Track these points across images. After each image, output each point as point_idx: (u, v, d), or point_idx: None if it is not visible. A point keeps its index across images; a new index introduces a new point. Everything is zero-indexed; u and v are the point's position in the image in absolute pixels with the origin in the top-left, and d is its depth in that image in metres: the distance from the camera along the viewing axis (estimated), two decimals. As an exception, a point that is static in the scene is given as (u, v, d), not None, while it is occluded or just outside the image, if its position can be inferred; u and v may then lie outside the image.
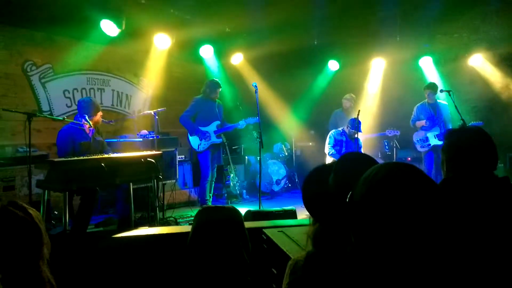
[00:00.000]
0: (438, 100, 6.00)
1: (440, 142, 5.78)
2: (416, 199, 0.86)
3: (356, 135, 5.57)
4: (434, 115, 5.95)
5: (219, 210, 1.44)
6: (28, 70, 5.23)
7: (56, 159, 3.66)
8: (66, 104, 5.65)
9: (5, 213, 1.20)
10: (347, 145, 5.77)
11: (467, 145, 1.61)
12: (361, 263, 0.92)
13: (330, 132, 5.85)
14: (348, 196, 1.04)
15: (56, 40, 5.45)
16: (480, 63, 7.13)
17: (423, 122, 5.95)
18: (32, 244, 1.18)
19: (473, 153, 1.59)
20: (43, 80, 5.38)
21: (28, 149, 3.57)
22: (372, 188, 0.90)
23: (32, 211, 1.24)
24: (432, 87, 5.93)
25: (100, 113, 4.36)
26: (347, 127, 5.74)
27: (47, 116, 4.88)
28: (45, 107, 5.41)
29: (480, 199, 1.50)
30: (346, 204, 1.05)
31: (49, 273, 1.21)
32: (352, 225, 0.94)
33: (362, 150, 5.87)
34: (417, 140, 6.07)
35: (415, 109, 6.14)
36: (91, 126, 4.19)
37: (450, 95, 5.46)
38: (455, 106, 5.30)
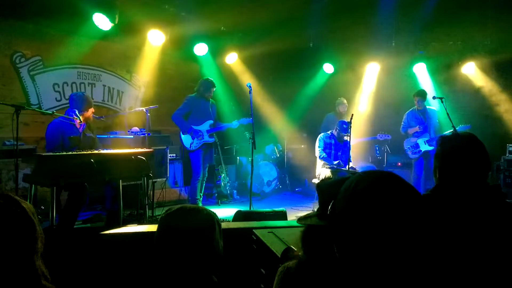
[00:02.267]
0: (427, 106, 6.05)
1: (430, 148, 5.83)
2: (396, 209, 0.86)
3: (347, 138, 5.56)
4: (424, 121, 6.00)
5: (187, 217, 1.33)
6: (17, 61, 5.13)
7: (44, 154, 3.59)
8: (56, 98, 5.56)
9: None
10: (336, 148, 5.77)
11: (460, 153, 1.61)
12: (345, 274, 0.91)
13: (319, 135, 5.85)
14: (330, 207, 1.03)
15: (47, 33, 5.35)
16: (473, 71, 7.21)
17: (416, 128, 5.99)
18: (25, 239, 1.15)
19: (466, 160, 1.59)
20: (32, 73, 5.28)
21: (15, 143, 3.49)
22: (353, 199, 0.90)
23: (25, 204, 1.21)
24: (422, 94, 5.98)
25: (91, 110, 4.30)
26: (336, 130, 5.74)
27: (36, 109, 4.79)
28: (33, 100, 5.30)
29: (471, 207, 1.50)
30: (328, 215, 1.04)
31: (44, 266, 1.19)
32: (334, 236, 0.94)
33: (352, 154, 5.87)
34: (408, 147, 6.12)
35: (405, 116, 6.19)
36: (81, 122, 4.13)
37: (442, 102, 5.51)
38: (447, 113, 5.35)
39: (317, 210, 1.24)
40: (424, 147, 5.91)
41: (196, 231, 1.30)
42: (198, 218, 1.33)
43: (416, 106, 6.06)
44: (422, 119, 6.01)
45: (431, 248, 0.89)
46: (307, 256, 1.18)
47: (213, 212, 1.40)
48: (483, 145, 1.63)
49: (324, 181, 1.27)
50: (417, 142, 5.99)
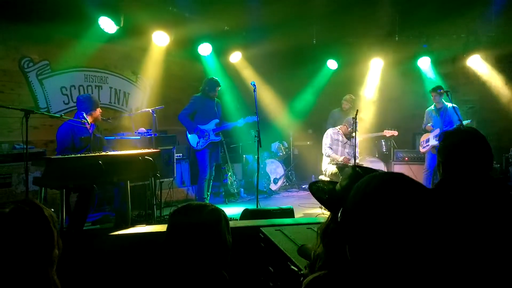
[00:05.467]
0: (446, 103, 5.93)
1: (437, 143, 5.81)
2: (407, 208, 0.87)
3: (354, 135, 5.56)
4: (438, 118, 5.94)
5: (193, 213, 1.37)
6: (25, 66, 5.20)
7: (53, 157, 3.64)
8: (64, 101, 5.63)
9: (18, 213, 1.16)
10: (343, 144, 5.77)
11: (462, 147, 1.62)
12: (358, 273, 0.91)
13: (327, 131, 5.84)
14: (341, 209, 1.04)
15: (54, 37, 5.41)
16: (478, 64, 7.15)
17: (430, 127, 6.00)
18: (43, 248, 1.15)
19: (468, 154, 1.60)
20: (40, 77, 5.35)
21: (25, 146, 3.55)
22: (364, 199, 0.91)
23: (47, 212, 1.20)
24: (435, 89, 5.89)
25: (99, 109, 4.36)
26: (344, 126, 5.73)
27: (45, 113, 4.85)
28: (42, 104, 5.38)
29: (475, 200, 1.51)
30: (340, 214, 1.05)
31: (56, 277, 1.18)
32: (346, 235, 0.95)
33: (359, 150, 5.87)
34: (421, 142, 6.14)
35: (425, 114, 6.14)
36: (89, 123, 4.19)
37: (448, 95, 5.48)
38: (454, 108, 5.32)
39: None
40: (432, 142, 5.89)
41: (202, 227, 1.33)
42: (204, 214, 1.36)
43: (434, 103, 5.99)
44: (436, 116, 5.96)
45: (440, 244, 0.90)
46: (330, 262, 1.17)
47: (219, 208, 1.43)
48: (484, 138, 1.64)
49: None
50: (429, 137, 5.99)
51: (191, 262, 1.31)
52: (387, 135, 6.42)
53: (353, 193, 0.95)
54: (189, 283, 1.30)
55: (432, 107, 6.02)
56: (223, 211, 1.43)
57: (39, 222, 1.16)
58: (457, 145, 1.64)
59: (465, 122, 5.70)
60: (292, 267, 1.99)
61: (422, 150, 6.12)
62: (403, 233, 0.86)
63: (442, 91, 5.76)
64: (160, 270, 1.37)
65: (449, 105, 5.89)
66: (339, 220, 1.07)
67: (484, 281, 1.37)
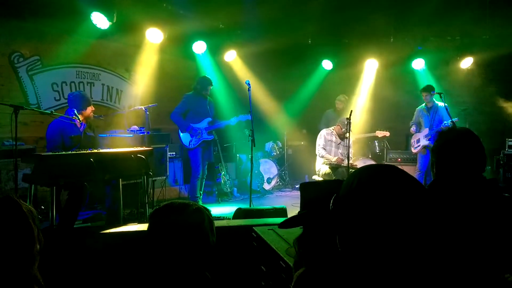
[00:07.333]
0: (436, 102, 5.99)
1: (427, 142, 5.84)
2: (398, 198, 0.88)
3: (347, 135, 5.57)
4: (429, 118, 5.98)
5: (175, 213, 1.33)
6: (16, 61, 5.12)
7: (43, 153, 3.60)
8: (55, 98, 5.55)
9: None
10: (337, 145, 5.77)
11: (456, 147, 1.61)
12: (348, 265, 0.91)
13: (321, 132, 5.84)
14: (332, 199, 1.04)
15: (45, 32, 5.34)
16: (472, 66, 7.21)
17: (413, 130, 6.02)
18: (22, 244, 1.13)
19: (461, 155, 1.59)
20: (30, 72, 5.27)
21: (14, 143, 3.49)
22: (355, 192, 0.91)
23: (26, 208, 1.19)
24: (426, 89, 5.94)
25: (91, 108, 4.29)
26: (338, 126, 5.73)
27: (35, 109, 4.79)
28: (32, 99, 5.30)
29: (468, 200, 1.50)
30: (331, 208, 1.06)
31: (38, 273, 1.17)
32: (337, 227, 0.95)
33: (352, 151, 5.88)
34: (412, 142, 6.17)
35: (415, 112, 6.16)
36: (80, 121, 4.13)
37: (441, 97, 5.51)
38: (446, 108, 5.36)
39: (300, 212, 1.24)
40: (423, 142, 5.92)
41: (184, 227, 1.29)
42: (186, 214, 1.32)
43: (425, 102, 6.02)
44: (427, 115, 6.00)
45: (432, 240, 0.90)
46: (306, 264, 1.17)
47: (203, 207, 1.38)
48: (478, 138, 1.63)
49: (309, 182, 1.29)
50: (419, 137, 6.02)
51: (172, 262, 1.28)
52: (379, 136, 6.44)
53: (347, 181, 0.95)
54: (171, 284, 1.26)
55: (423, 105, 6.06)
56: (207, 210, 1.39)
57: (17, 218, 1.14)
58: (451, 144, 1.63)
59: (453, 120, 5.75)
60: (284, 266, 1.98)
61: (414, 150, 6.16)
62: (394, 222, 0.86)
63: (434, 92, 5.81)
64: (141, 270, 1.33)
65: (441, 104, 5.94)
66: (330, 207, 1.07)
67: (474, 279, 1.37)
